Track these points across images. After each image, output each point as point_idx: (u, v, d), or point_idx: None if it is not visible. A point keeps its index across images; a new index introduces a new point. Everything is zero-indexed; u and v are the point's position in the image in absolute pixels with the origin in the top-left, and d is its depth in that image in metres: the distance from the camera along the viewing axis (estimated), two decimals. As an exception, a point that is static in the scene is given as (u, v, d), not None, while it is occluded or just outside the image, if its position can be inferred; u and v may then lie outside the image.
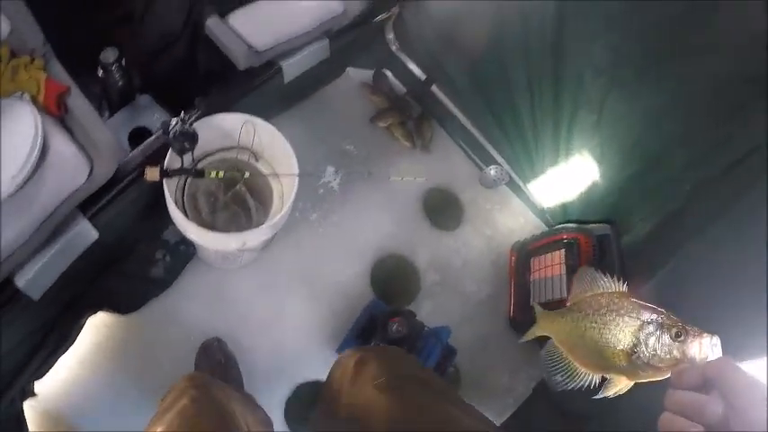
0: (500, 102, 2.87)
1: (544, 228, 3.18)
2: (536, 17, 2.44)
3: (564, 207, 3.00)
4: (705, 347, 0.79)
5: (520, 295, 2.92)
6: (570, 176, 2.84)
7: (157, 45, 2.27)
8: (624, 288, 0.92)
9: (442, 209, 3.06)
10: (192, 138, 1.92)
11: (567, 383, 0.92)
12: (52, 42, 1.87)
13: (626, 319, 0.85)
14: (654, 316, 0.84)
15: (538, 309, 1.14)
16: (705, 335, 0.79)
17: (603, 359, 0.87)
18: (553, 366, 0.95)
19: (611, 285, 0.93)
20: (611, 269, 2.61)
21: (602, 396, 0.89)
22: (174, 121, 1.89)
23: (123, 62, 2.22)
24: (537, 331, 1.07)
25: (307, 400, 2.46)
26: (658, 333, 0.82)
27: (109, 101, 2.44)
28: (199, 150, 2.05)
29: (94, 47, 2.19)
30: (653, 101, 2.34)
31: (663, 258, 2.34)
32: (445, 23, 2.83)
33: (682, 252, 2.28)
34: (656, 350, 0.82)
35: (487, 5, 2.59)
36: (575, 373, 0.92)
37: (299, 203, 2.75)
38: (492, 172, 3.10)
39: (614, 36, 2.29)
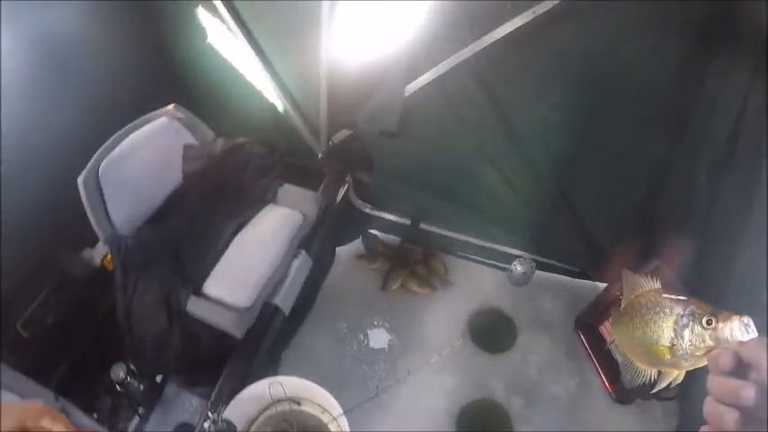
0: (483, 199, 2.94)
1: (595, 286, 3.16)
2: (468, 108, 2.53)
3: (596, 253, 3.01)
4: (736, 330, 0.80)
5: (609, 368, 2.86)
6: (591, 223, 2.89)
7: (156, 346, 2.36)
8: (658, 285, 0.96)
9: (492, 331, 3.04)
10: (229, 430, 1.99)
11: (635, 380, 0.97)
12: (64, 384, 1.99)
13: (662, 315, 0.90)
14: (686, 308, 0.87)
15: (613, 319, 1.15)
16: (735, 318, 0.81)
17: (652, 355, 0.92)
18: (623, 367, 1.01)
19: (647, 284, 0.98)
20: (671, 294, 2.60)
21: (657, 390, 0.93)
22: (206, 425, 1.96)
23: (135, 369, 2.33)
24: (610, 337, 1.11)
25: None
26: (691, 324, 0.85)
27: (139, 403, 2.54)
28: (242, 422, 2.11)
29: (103, 366, 2.34)
30: (619, 122, 2.42)
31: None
32: (395, 165, 2.95)
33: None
34: (691, 340, 0.85)
35: (425, 126, 2.67)
36: (637, 371, 0.97)
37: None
38: (518, 268, 3.10)
39: (555, 91, 2.39)
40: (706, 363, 0.81)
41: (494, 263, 3.24)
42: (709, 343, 0.83)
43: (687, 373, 0.92)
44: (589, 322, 2.97)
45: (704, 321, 0.84)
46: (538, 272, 3.19)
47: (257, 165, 2.70)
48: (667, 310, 0.89)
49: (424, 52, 2.40)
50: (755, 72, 2.02)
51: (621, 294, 2.42)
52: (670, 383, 0.93)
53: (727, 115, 2.16)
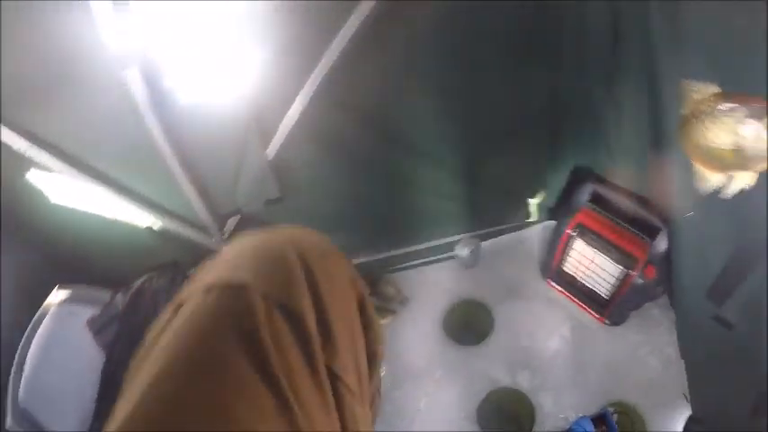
0: (399, 207, 2.99)
1: (544, 228, 3.30)
2: (342, 132, 2.54)
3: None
4: None
5: (591, 299, 2.97)
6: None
7: None
8: (715, 89, 1.00)
9: (468, 323, 3.08)
10: None
11: (705, 187, 1.04)
12: None
13: (722, 120, 0.94)
14: (744, 109, 0.91)
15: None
16: None
17: (717, 160, 0.97)
18: (693, 176, 1.07)
19: (704, 89, 1.00)
20: (618, 210, 2.76)
21: (731, 194, 1.00)
22: None
23: None
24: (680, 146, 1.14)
25: None
26: (752, 124, 0.90)
27: None
28: None
29: None
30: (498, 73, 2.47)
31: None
32: (301, 218, 2.89)
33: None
34: (753, 140, 0.90)
35: (310, 166, 2.66)
36: (705, 178, 1.04)
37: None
38: (464, 251, 3.14)
39: (420, 74, 2.41)
40: None
41: (439, 257, 3.28)
42: None
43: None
44: (554, 265, 3.03)
45: (765, 121, 0.89)
46: (483, 243, 3.25)
47: (167, 299, 2.66)
48: (728, 113, 0.93)
49: (270, 102, 2.35)
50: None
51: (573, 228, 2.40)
52: (743, 189, 0.99)
53: (601, 22, 2.22)
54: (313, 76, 2.26)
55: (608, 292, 2.83)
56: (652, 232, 2.64)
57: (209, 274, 0.99)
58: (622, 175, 2.80)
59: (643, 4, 1.95)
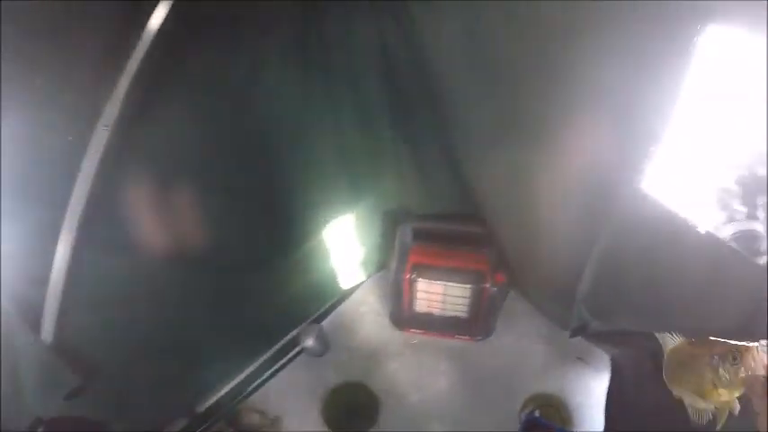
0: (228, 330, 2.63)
1: (377, 282, 3.18)
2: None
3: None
4: (756, 357, 1.05)
5: (452, 327, 2.88)
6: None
7: None
8: (680, 338, 1.24)
9: (353, 410, 2.85)
10: None
11: (701, 419, 1.19)
12: None
13: (698, 367, 1.14)
14: (713, 355, 1.12)
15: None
16: (750, 347, 1.06)
17: (705, 397, 1.16)
18: (690, 410, 1.24)
19: (671, 340, 1.26)
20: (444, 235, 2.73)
21: (721, 425, 1.16)
22: None
23: None
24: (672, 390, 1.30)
25: None
26: (722, 365, 1.09)
27: None
28: None
29: None
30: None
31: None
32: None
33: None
34: (728, 378, 1.09)
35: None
36: (699, 411, 1.20)
37: None
38: (308, 341, 2.85)
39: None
40: (743, 389, 1.09)
41: (290, 356, 2.97)
42: (742, 375, 1.07)
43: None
44: (405, 313, 2.90)
45: (731, 359, 1.08)
46: (323, 324, 3.04)
47: None
48: (701, 362, 1.13)
49: (25, 275, 1.84)
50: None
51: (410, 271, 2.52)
52: (729, 414, 1.15)
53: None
54: (64, 232, 1.87)
55: (468, 312, 2.78)
56: (484, 242, 2.64)
57: None
58: (430, 203, 2.80)
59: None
